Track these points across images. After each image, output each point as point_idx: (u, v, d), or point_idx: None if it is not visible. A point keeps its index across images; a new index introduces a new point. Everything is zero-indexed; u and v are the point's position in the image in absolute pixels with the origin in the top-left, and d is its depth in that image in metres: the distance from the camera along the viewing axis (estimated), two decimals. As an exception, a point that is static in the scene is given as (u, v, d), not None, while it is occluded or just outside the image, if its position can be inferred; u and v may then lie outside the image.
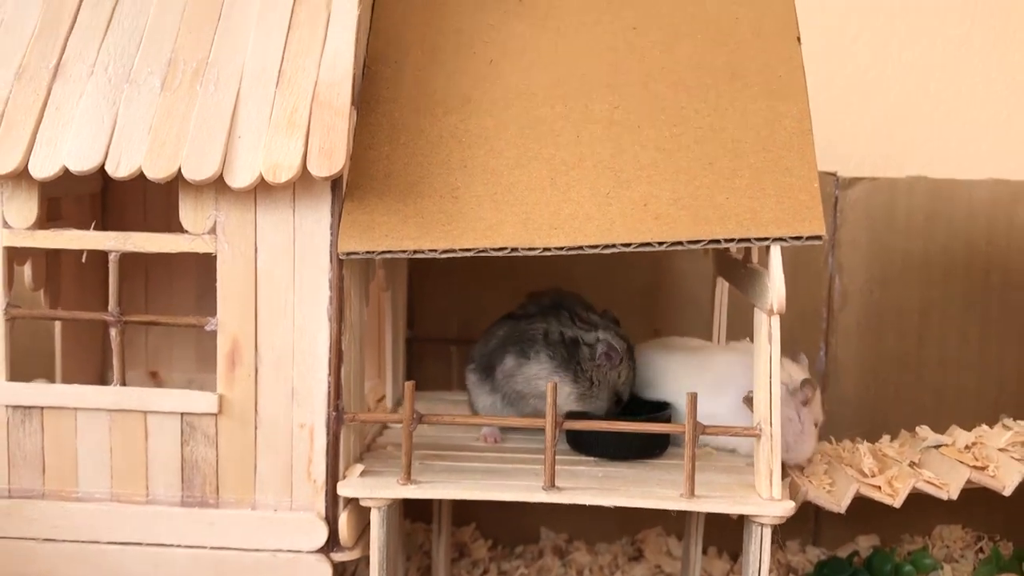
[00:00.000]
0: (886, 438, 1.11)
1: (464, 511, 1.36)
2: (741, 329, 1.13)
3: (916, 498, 1.31)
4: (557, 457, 0.96)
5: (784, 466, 1.01)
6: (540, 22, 0.96)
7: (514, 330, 1.02)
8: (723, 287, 1.14)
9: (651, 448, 0.97)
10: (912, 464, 1.02)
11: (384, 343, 1.13)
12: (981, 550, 1.32)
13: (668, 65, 0.92)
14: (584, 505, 1.30)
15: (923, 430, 1.07)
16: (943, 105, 1.45)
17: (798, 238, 0.81)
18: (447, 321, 1.25)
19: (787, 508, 0.85)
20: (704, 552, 1.30)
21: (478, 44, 0.95)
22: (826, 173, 1.31)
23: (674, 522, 1.32)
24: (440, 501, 1.18)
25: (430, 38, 0.96)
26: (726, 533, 1.19)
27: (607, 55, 0.93)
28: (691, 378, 1.01)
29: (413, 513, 1.31)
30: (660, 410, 1.01)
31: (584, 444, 0.99)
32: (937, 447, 1.03)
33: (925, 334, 1.32)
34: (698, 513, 1.16)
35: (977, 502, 1.33)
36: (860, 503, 1.32)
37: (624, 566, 1.29)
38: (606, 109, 0.90)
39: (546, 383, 0.88)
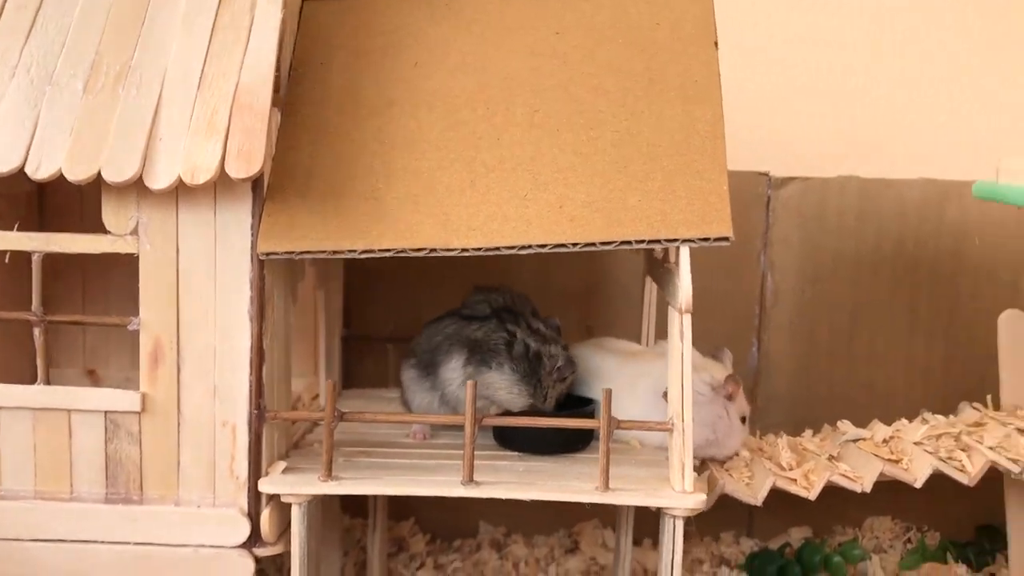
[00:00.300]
0: (808, 432, 1.13)
1: (403, 507, 1.38)
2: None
3: (847, 491, 1.35)
4: (485, 453, 0.99)
5: (711, 460, 1.04)
6: (465, 27, 0.97)
7: (464, 330, 1.02)
8: (652, 287, 1.16)
9: (574, 443, 1.00)
10: (831, 458, 1.05)
11: (319, 341, 1.15)
12: (909, 540, 1.36)
13: (589, 70, 0.93)
14: (523, 500, 1.34)
15: (844, 424, 1.10)
16: (875, 106, 1.48)
17: (706, 239, 0.83)
18: (384, 319, 1.26)
19: (698, 500, 0.87)
20: (639, 544, 1.33)
21: (404, 47, 0.96)
22: (759, 173, 1.34)
23: (611, 515, 1.34)
24: (375, 497, 1.19)
25: (357, 41, 0.97)
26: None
27: (530, 59, 0.95)
28: (622, 379, 1.03)
29: (352, 509, 1.33)
30: (586, 406, 1.03)
31: (510, 440, 1.01)
32: (855, 441, 1.06)
33: (855, 330, 1.35)
34: (628, 506, 1.18)
35: (908, 494, 1.36)
36: (792, 496, 1.36)
37: (560, 558, 1.32)
38: (527, 113, 0.92)
39: (504, 393, 0.90)
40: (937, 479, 1.17)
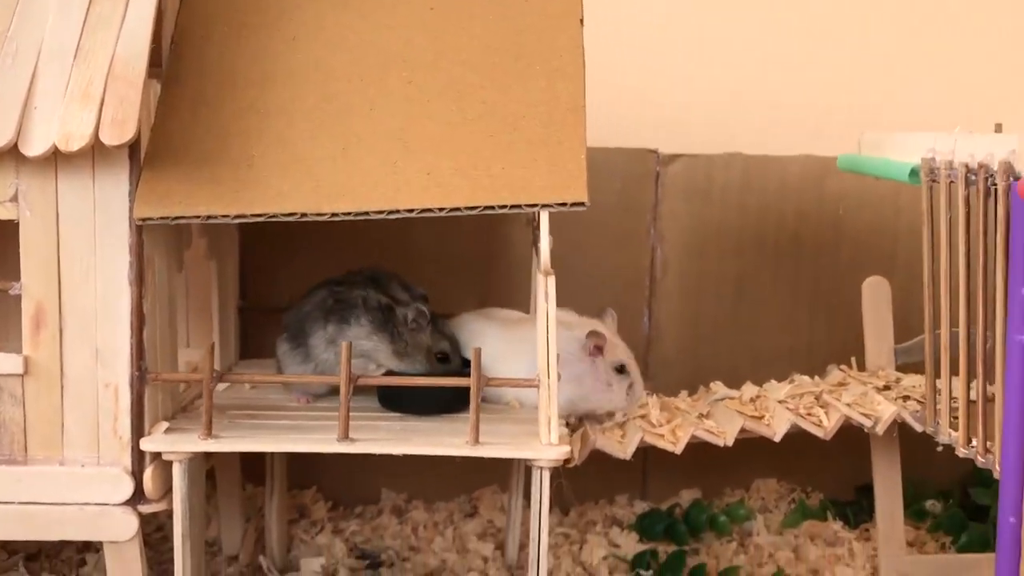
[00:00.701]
0: (683, 393, 1.19)
1: (305, 475, 1.41)
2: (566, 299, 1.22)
3: (738, 454, 1.41)
4: (368, 415, 1.03)
5: (591, 417, 1.09)
6: (343, 3, 1.01)
7: (327, 299, 1.07)
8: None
9: (454, 404, 1.04)
10: (700, 416, 1.10)
11: (212, 312, 1.18)
12: (793, 501, 1.42)
13: (460, 45, 0.98)
14: (424, 467, 1.38)
15: (716, 385, 1.16)
16: (758, 85, 1.55)
17: (563, 204, 0.88)
18: (280, 291, 1.29)
19: (563, 452, 0.92)
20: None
21: (282, 22, 1.00)
22: (648, 150, 1.39)
23: (508, 480, 1.39)
24: (272, 463, 1.23)
25: (237, 16, 1.00)
26: (562, 493, 1.27)
27: (404, 33, 0.99)
28: (508, 344, 1.08)
29: (255, 478, 1.35)
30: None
31: (394, 403, 1.05)
32: (723, 400, 1.12)
33: (740, 300, 1.41)
34: (518, 468, 1.23)
35: (794, 458, 1.44)
36: (685, 461, 1.41)
37: (459, 522, 1.36)
38: (399, 85, 0.96)
39: (366, 342, 0.95)
40: (821, 442, 1.24)
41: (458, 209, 0.89)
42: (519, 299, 1.26)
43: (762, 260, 1.41)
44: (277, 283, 1.32)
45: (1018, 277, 0.79)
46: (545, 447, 0.92)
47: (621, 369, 1.08)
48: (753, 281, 1.41)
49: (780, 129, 1.53)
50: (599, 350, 1.05)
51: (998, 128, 1.09)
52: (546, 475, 0.93)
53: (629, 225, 1.39)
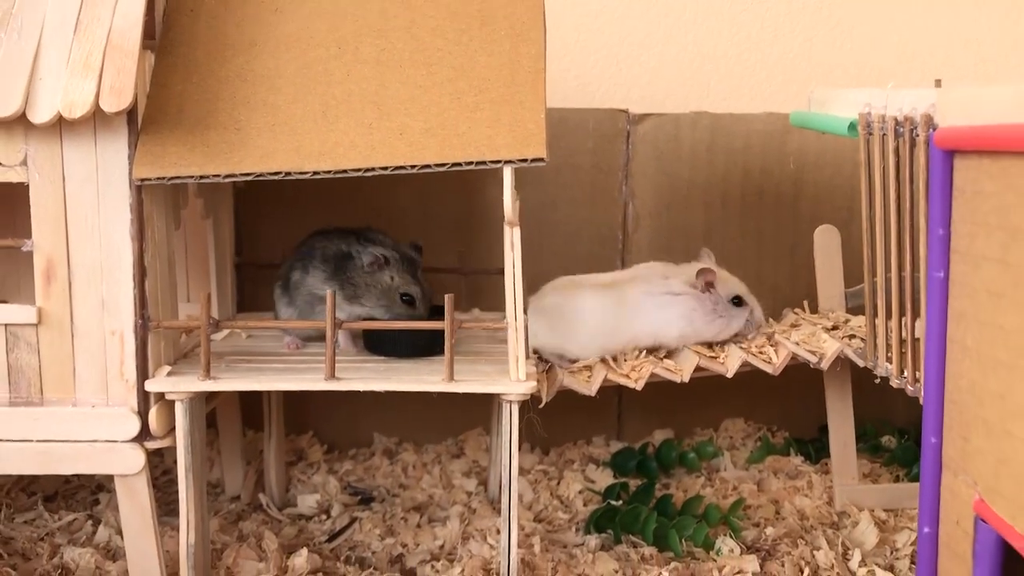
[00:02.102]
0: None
1: (302, 421, 1.51)
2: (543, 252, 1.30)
3: (709, 396, 1.51)
4: (356, 358, 1.12)
5: (713, 344, 1.20)
6: (322, -25, 1.08)
7: (304, 248, 1.18)
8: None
9: (432, 346, 1.13)
10: (662, 358, 1.19)
11: (209, 267, 1.26)
12: (759, 439, 1.51)
13: (430, 12, 1.06)
14: (414, 412, 1.47)
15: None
16: (724, 45, 1.62)
17: (524, 160, 0.96)
18: (274, 247, 1.37)
19: (530, 387, 1.01)
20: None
21: (266, -5, 1.08)
22: (619, 110, 1.47)
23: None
24: (271, 409, 1.32)
25: (224, -10, 1.08)
26: (534, 429, 1.36)
27: (377, 4, 1.06)
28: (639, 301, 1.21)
29: (254, 424, 1.45)
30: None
31: (378, 346, 1.14)
32: (684, 343, 1.20)
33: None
34: (498, 410, 1.32)
35: (762, 399, 1.54)
36: (659, 402, 1.51)
37: (446, 462, 1.46)
38: (374, 52, 1.04)
39: (323, 289, 1.03)
40: (787, 385, 1.33)
41: (428, 166, 0.97)
42: (496, 256, 1.35)
43: (728, 214, 1.49)
44: (270, 240, 1.40)
45: (936, 219, 0.87)
46: (514, 383, 1.01)
47: (739, 301, 1.18)
48: (720, 234, 1.49)
49: (745, 88, 1.61)
50: (710, 285, 1.15)
51: (938, 83, 1.16)
52: (515, 408, 1.02)
53: (602, 182, 1.48)
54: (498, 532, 1.20)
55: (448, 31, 1.04)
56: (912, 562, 1.11)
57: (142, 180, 0.97)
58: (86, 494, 1.34)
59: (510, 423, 1.02)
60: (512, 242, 1.00)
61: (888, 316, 1.05)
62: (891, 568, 1.12)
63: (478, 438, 1.50)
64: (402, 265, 1.14)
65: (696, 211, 1.49)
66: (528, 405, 1.06)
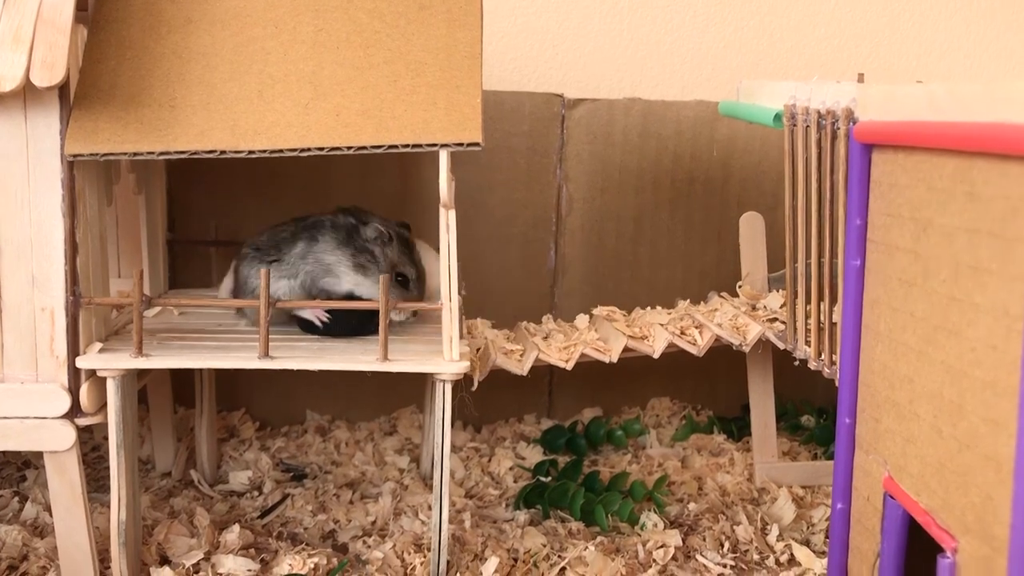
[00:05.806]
0: (584, 318, 1.31)
1: (234, 398, 1.51)
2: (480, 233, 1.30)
3: (637, 376, 1.54)
4: (293, 337, 1.13)
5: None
6: (259, -48, 1.08)
7: (302, 223, 1.17)
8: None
9: (368, 325, 1.14)
10: (596, 339, 1.22)
11: (141, 243, 1.25)
12: (684, 418, 1.56)
13: (368, -6, 1.06)
14: (347, 389, 1.48)
15: (599, 310, 1.28)
16: (658, 34, 1.65)
17: (460, 144, 0.98)
18: (207, 224, 1.37)
19: (462, 367, 1.03)
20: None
21: (203, -29, 1.07)
22: (554, 95, 1.49)
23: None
24: (202, 386, 1.32)
25: (159, -36, 1.07)
26: (466, 407, 1.38)
27: (316, -16, 1.06)
28: None
29: (186, 401, 1.45)
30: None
31: (310, 327, 1.15)
32: (603, 315, 1.23)
33: (639, 235, 1.53)
34: (431, 389, 1.34)
35: (687, 379, 1.58)
36: (589, 382, 1.54)
37: (379, 439, 1.47)
38: (311, 32, 1.04)
39: (331, 258, 1.07)
40: (713, 365, 1.37)
41: (364, 148, 0.98)
42: (433, 233, 1.36)
43: (659, 198, 1.52)
44: (203, 216, 1.40)
45: (853, 209, 0.91)
46: (447, 363, 1.03)
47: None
48: (651, 218, 1.53)
49: (676, 75, 1.64)
50: None
51: (860, 78, 1.21)
52: (448, 387, 1.04)
53: (537, 165, 1.50)
54: (430, 508, 1.23)
55: (386, 14, 1.05)
56: (826, 536, 1.16)
57: (74, 156, 0.96)
58: (12, 471, 1.33)
59: (443, 402, 1.04)
60: (448, 224, 1.02)
61: (807, 301, 1.09)
62: (807, 542, 1.17)
63: (411, 416, 1.52)
64: (401, 245, 1.15)
65: (628, 195, 1.52)
66: (461, 384, 1.08)
